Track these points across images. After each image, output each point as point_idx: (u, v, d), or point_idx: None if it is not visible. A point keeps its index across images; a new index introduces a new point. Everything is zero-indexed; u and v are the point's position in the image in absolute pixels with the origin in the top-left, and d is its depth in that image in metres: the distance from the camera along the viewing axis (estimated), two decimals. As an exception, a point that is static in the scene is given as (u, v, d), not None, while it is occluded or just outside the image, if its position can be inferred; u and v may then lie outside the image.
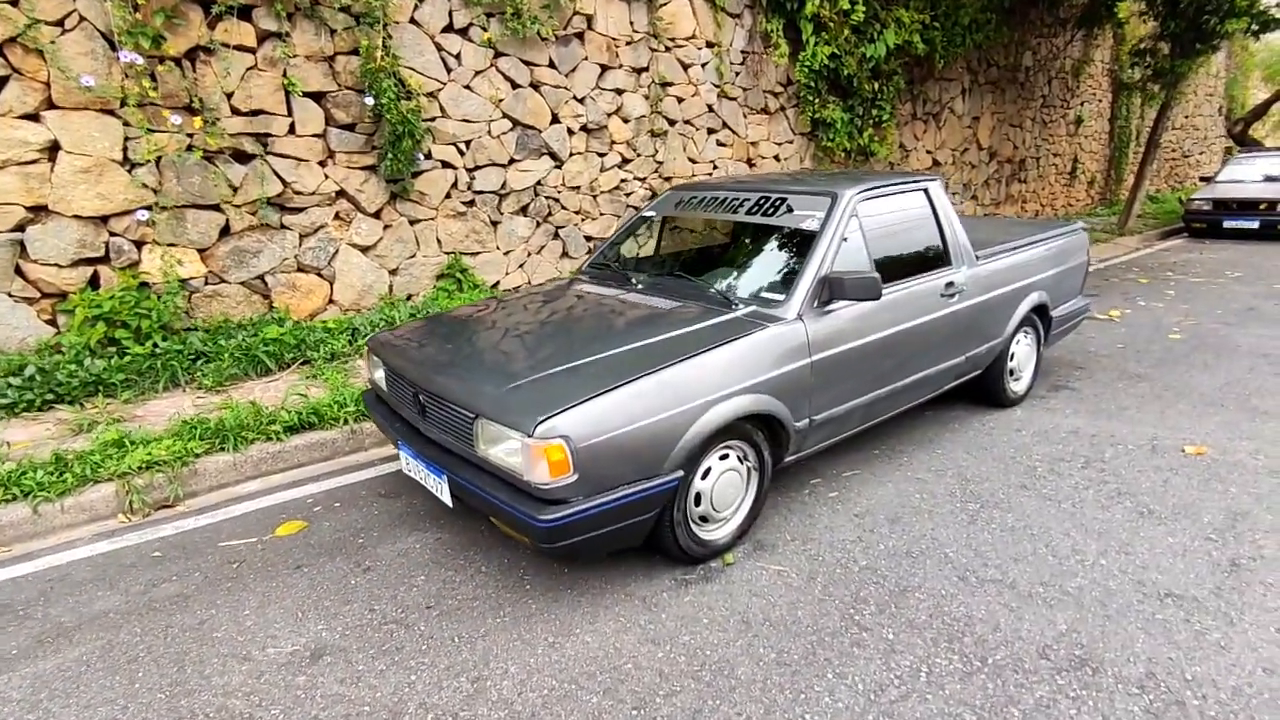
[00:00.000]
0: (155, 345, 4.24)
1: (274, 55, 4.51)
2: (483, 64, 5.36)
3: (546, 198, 5.92)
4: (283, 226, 4.78)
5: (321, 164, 4.85)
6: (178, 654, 2.12)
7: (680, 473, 2.30)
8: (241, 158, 4.55)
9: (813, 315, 2.70)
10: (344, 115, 4.84)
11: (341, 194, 4.97)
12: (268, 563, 2.61)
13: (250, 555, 2.67)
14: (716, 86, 6.84)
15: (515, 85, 5.56)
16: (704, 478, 2.49)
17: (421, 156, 5.17)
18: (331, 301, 5.07)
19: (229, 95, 4.44)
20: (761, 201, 3.18)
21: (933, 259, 3.32)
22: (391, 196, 5.18)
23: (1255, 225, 9.82)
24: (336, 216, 4.99)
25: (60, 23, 3.93)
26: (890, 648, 2.12)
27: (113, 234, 4.23)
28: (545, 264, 6.01)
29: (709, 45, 6.70)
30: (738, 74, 7.01)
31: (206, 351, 4.36)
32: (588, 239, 6.24)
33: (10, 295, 4.01)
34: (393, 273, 5.31)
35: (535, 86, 5.67)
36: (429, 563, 2.59)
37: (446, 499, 2.46)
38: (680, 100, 6.61)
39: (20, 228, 3.98)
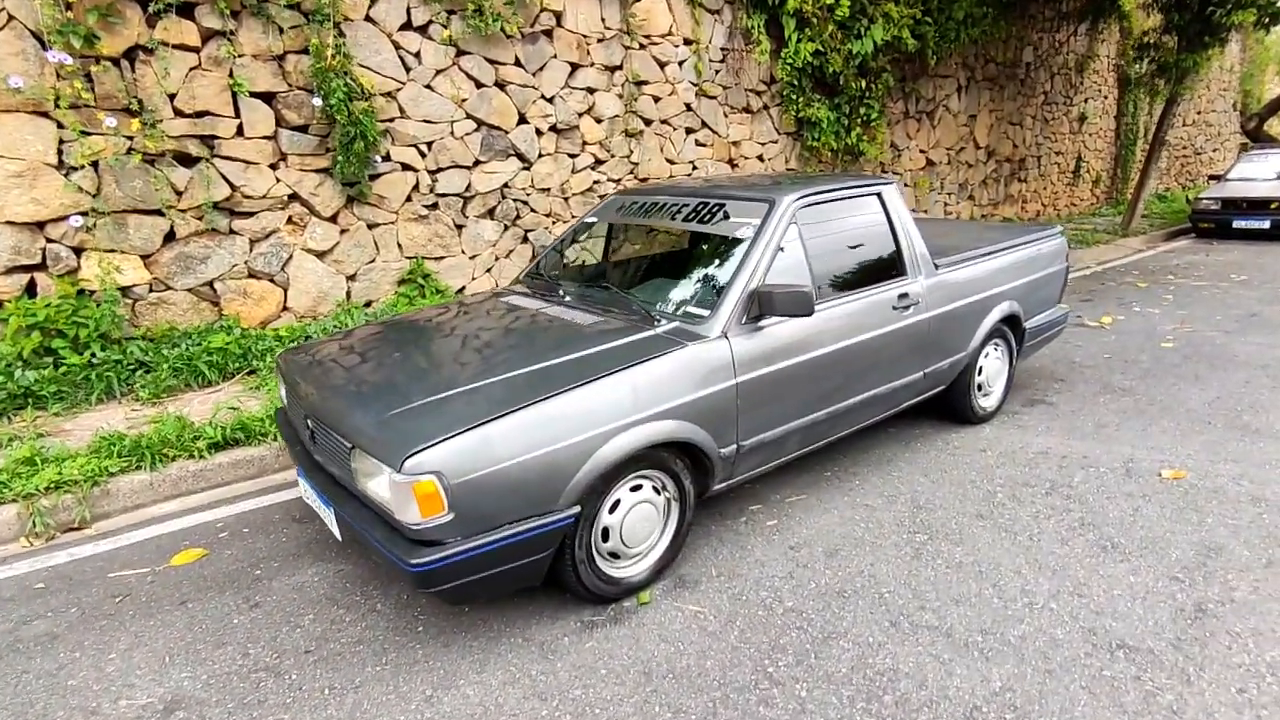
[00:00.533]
0: (93, 355, 4.10)
1: (219, 55, 4.36)
2: (444, 63, 5.19)
3: (514, 200, 5.73)
4: (232, 231, 4.63)
5: (273, 167, 4.69)
6: (22, 705, 1.95)
7: (577, 508, 2.11)
8: (186, 161, 4.40)
9: (740, 332, 2.50)
10: (296, 116, 4.68)
11: (294, 198, 4.81)
12: (153, 597, 2.44)
13: (138, 588, 2.51)
14: (695, 85, 6.62)
15: (479, 85, 5.38)
16: (612, 511, 2.29)
17: (378, 159, 5.00)
18: (286, 309, 4.92)
19: (171, 96, 4.29)
20: (700, 208, 2.97)
21: (885, 269, 3.10)
22: (348, 200, 5.01)
23: (1266, 225, 9.47)
24: (289, 221, 4.83)
25: (-13, 22, 3.80)
26: (800, 707, 1.92)
27: (50, 240, 4.09)
28: (513, 268, 5.83)
29: (686, 42, 6.48)
30: (717, 72, 6.79)
31: (147, 361, 4.22)
32: (559, 243, 6.05)
33: (-60, 304, 3.88)
34: (350, 278, 5.15)
35: (500, 85, 5.49)
36: (323, 599, 2.41)
37: (336, 532, 2.28)
38: (656, 99, 6.40)
39: (-50, 234, 3.86)
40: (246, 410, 3.77)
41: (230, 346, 4.40)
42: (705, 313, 2.52)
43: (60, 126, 3.98)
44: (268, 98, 4.60)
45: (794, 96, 7.16)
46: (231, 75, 4.42)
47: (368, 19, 4.86)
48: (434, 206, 5.38)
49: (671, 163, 6.66)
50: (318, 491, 2.33)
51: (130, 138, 4.18)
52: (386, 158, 5.07)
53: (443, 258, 5.49)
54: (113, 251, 4.24)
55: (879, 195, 3.15)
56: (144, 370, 4.18)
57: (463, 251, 5.58)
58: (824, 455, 3.38)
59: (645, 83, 6.29)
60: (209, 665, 2.10)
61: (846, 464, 3.34)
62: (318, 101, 4.58)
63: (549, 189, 5.92)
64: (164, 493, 3.26)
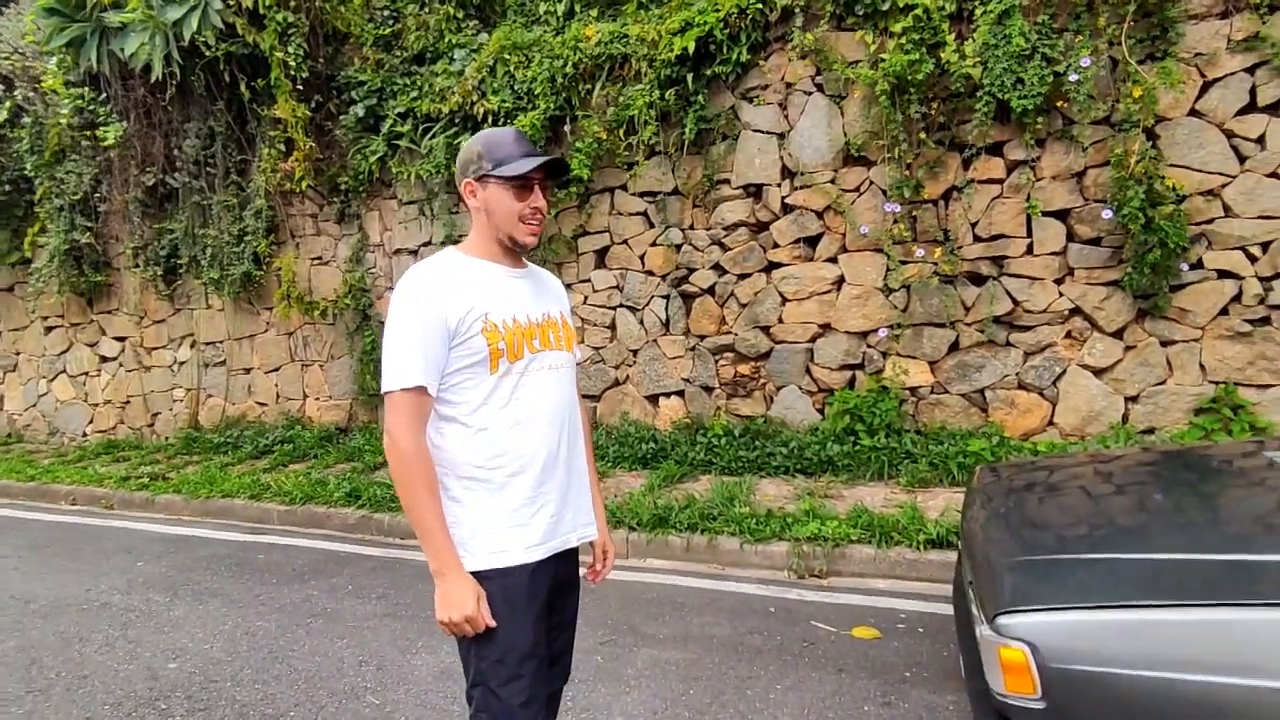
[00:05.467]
0: (879, 440, 5.03)
1: (1019, 182, 4.68)
2: (1302, 141, 4.07)
3: None
4: (1008, 344, 4.87)
5: (1058, 282, 4.70)
6: (717, 691, 2.71)
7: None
8: (977, 280, 4.90)
9: None
10: (1088, 230, 4.56)
11: (1076, 311, 4.67)
12: (825, 655, 2.92)
13: (821, 642, 3.04)
14: None
15: (1365, 158, 3.97)
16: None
17: (1185, 266, 4.32)
18: (1051, 423, 4.81)
19: (973, 225, 4.86)
20: None
21: None
22: (1139, 314, 4.52)
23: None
24: (1067, 335, 4.71)
25: (857, 189, 5.20)
26: None
27: (868, 346, 5.26)
28: (1400, 410, 3.99)
29: None
30: None
31: (913, 452, 4.88)
32: None
33: (800, 388, 5.51)
34: (1132, 400, 4.60)
35: None
36: (944, 730, 2.38)
37: (962, 665, 2.24)
38: None
39: (813, 339, 5.44)
40: (972, 517, 3.92)
41: (985, 452, 4.63)
42: None
43: (886, 258, 5.07)
44: (1062, 214, 4.64)
45: None
46: (1028, 199, 4.66)
47: (1192, 113, 4.29)
48: (1263, 321, 4.24)
49: None
50: (958, 617, 2.33)
51: (934, 263, 4.95)
52: (1197, 265, 4.33)
53: (1269, 386, 4.26)
54: (908, 357, 5.10)
55: None
56: (909, 460, 4.85)
57: (1307, 380, 4.19)
58: None
59: None
60: (829, 734, 2.41)
61: None
62: (1107, 214, 4.34)
63: None
64: (882, 570, 3.76)
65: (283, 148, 6.78)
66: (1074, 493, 2.35)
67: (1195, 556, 1.74)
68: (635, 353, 6.07)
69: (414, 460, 1.52)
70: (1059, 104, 4.46)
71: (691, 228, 5.75)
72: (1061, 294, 4.68)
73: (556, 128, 5.86)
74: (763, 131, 5.39)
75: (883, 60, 4.72)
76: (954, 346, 5.02)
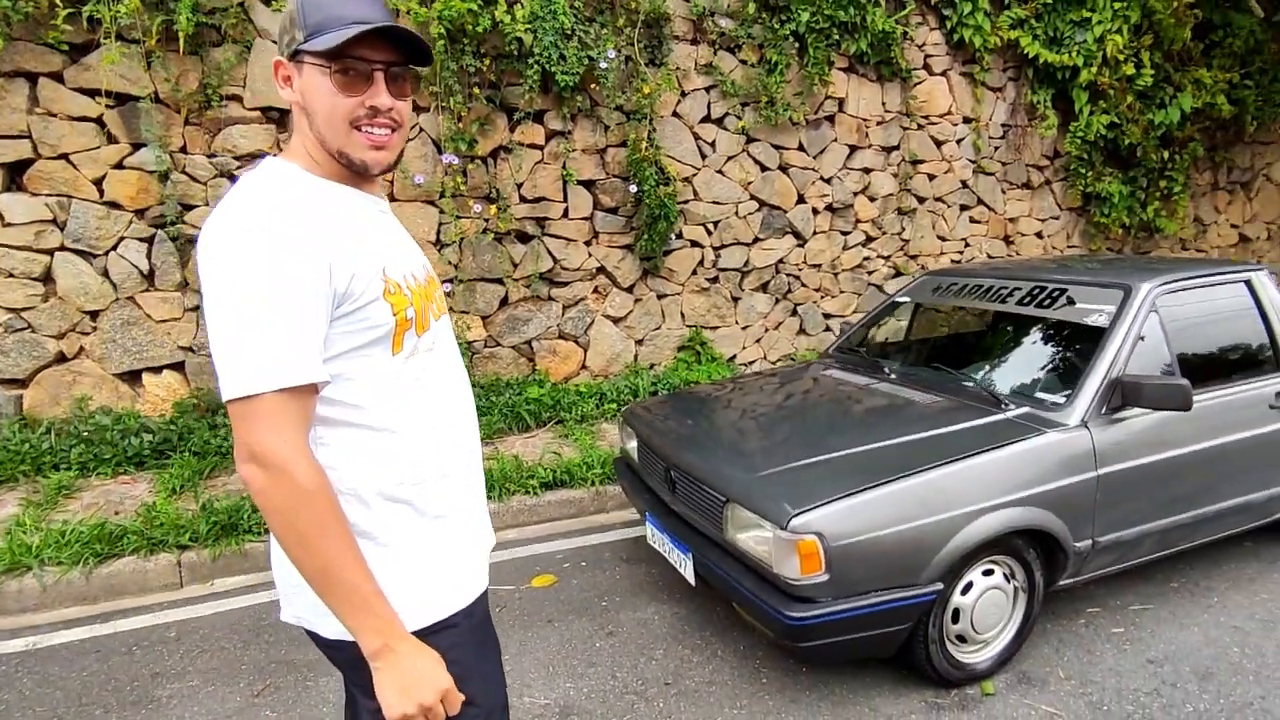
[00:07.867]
0: (442, 398, 4.92)
1: (557, 150, 5.16)
2: (735, 149, 5.66)
3: (787, 275, 6.00)
4: (550, 298, 5.36)
5: (587, 243, 5.39)
6: (453, 686, 2.38)
7: (939, 585, 2.15)
8: (524, 238, 5.22)
9: (1100, 422, 2.42)
10: (609, 200, 5.36)
11: (601, 270, 5.46)
12: (525, 612, 2.86)
13: (511, 602, 2.95)
14: (973, 162, 6.52)
15: (764, 168, 5.78)
16: (964, 593, 2.30)
17: (674, 236, 5.53)
18: (584, 367, 5.54)
19: (519, 185, 5.14)
20: (1036, 292, 2.95)
21: (1258, 363, 2.81)
22: (644, 273, 5.58)
23: None
24: (595, 290, 5.49)
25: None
26: (1207, 841, 1.76)
27: (420, 302, 5.03)
28: (782, 340, 6.05)
29: (966, 121, 6.43)
30: (996, 149, 6.63)
31: (482, 406, 4.96)
32: (826, 317, 6.20)
33: (344, 350, 4.91)
34: (639, 343, 5.68)
35: (784, 169, 5.84)
36: (667, 637, 2.66)
37: (690, 577, 2.53)
38: (931, 177, 6.39)
39: (357, 296, 4.89)
40: (564, 456, 4.29)
41: (544, 398, 5.04)
42: (1060, 399, 2.48)
43: (441, 212, 4.94)
44: (589, 184, 5.33)
45: (1082, 171, 6.74)
46: (564, 167, 5.19)
47: (675, 114, 5.47)
48: (715, 280, 5.79)
49: (943, 240, 6.56)
50: (672, 537, 2.60)
51: (487, 220, 5.05)
52: (679, 235, 5.60)
53: (718, 327, 5.86)
54: (464, 312, 5.11)
55: (1248, 282, 2.90)
56: (482, 414, 4.92)
57: (736, 322, 5.92)
58: (1166, 564, 3.06)
59: (921, 161, 6.32)
60: (586, 681, 2.41)
61: (1196, 577, 3.00)
62: (633, 188, 5.21)
63: (820, 265, 6.12)
64: (506, 521, 3.80)
65: None
66: (741, 416, 2.88)
67: (873, 446, 2.40)
68: (94, 315, 4.41)
69: (319, 494, 0.97)
70: (591, 86, 5.08)
71: (184, 151, 4.44)
72: (590, 254, 5.40)
73: (-74, -43, 3.69)
74: (289, 46, 4.50)
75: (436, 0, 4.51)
76: (504, 301, 5.26)
